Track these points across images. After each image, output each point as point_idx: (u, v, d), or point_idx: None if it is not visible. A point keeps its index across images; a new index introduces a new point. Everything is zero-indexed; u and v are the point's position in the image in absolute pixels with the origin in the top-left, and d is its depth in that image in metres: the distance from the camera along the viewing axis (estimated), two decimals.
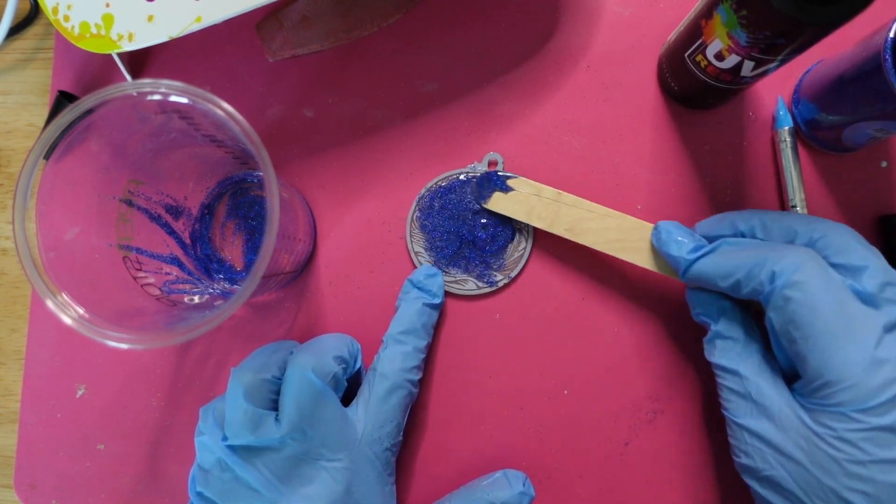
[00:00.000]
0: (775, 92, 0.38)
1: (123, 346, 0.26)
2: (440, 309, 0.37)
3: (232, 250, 0.39)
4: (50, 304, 0.27)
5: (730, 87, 0.33)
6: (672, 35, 0.36)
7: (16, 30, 0.42)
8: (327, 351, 0.33)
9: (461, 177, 0.38)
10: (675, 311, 0.37)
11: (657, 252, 0.34)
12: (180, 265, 0.36)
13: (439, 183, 0.38)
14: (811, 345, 0.26)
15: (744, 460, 0.29)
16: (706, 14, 0.30)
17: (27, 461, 0.39)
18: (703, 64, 0.32)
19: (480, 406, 0.37)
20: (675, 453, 0.36)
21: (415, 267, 0.38)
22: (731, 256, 0.30)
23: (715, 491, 0.36)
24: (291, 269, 0.36)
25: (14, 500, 0.39)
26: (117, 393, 0.39)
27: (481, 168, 0.38)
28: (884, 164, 0.38)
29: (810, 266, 0.27)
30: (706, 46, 0.31)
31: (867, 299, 0.27)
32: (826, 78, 0.34)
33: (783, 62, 0.29)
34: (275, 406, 0.31)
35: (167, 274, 0.35)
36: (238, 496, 0.30)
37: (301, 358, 0.32)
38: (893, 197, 0.37)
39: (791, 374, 0.29)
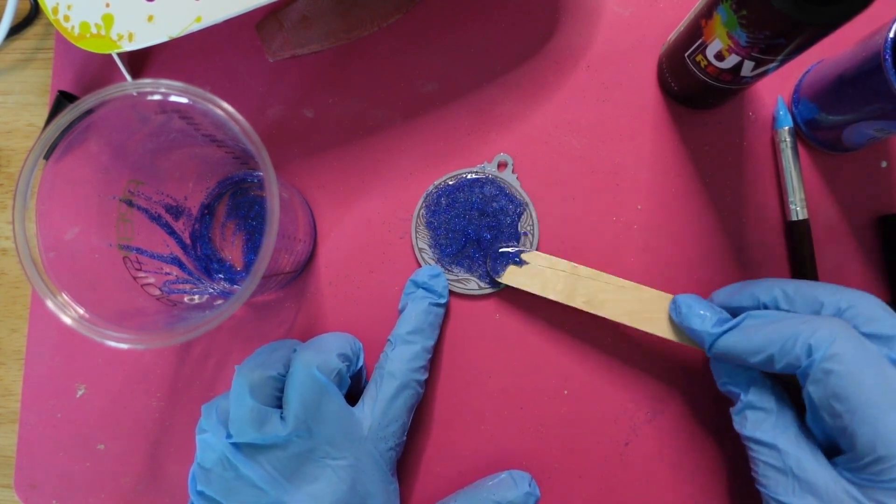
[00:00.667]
0: (775, 92, 0.38)
1: (123, 346, 0.26)
2: (445, 308, 0.37)
3: (232, 250, 0.39)
4: (50, 304, 0.27)
5: (730, 87, 0.33)
6: (672, 35, 0.36)
7: (16, 30, 0.42)
8: (331, 349, 0.33)
9: (469, 175, 0.38)
10: None
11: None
12: (180, 265, 0.36)
13: (447, 181, 0.38)
14: (858, 418, 0.25)
15: None
16: (706, 14, 0.30)
17: (27, 461, 0.39)
18: (703, 64, 0.32)
19: (481, 406, 0.37)
20: (675, 453, 0.36)
21: (419, 264, 0.38)
22: (760, 331, 0.29)
23: (715, 491, 0.36)
24: (291, 269, 0.36)
25: (14, 500, 0.39)
26: (117, 393, 0.39)
27: (490, 168, 0.38)
28: (884, 164, 0.38)
29: (846, 337, 0.26)
30: (706, 46, 0.31)
31: None
32: (826, 78, 0.34)
33: (783, 62, 0.29)
34: (279, 403, 0.31)
35: (167, 274, 0.35)
36: (241, 494, 0.29)
37: (305, 355, 0.32)
38: (893, 197, 0.37)
39: (828, 447, 0.28)
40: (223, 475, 0.30)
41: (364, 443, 0.31)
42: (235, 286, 0.38)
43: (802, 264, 0.36)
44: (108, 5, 0.33)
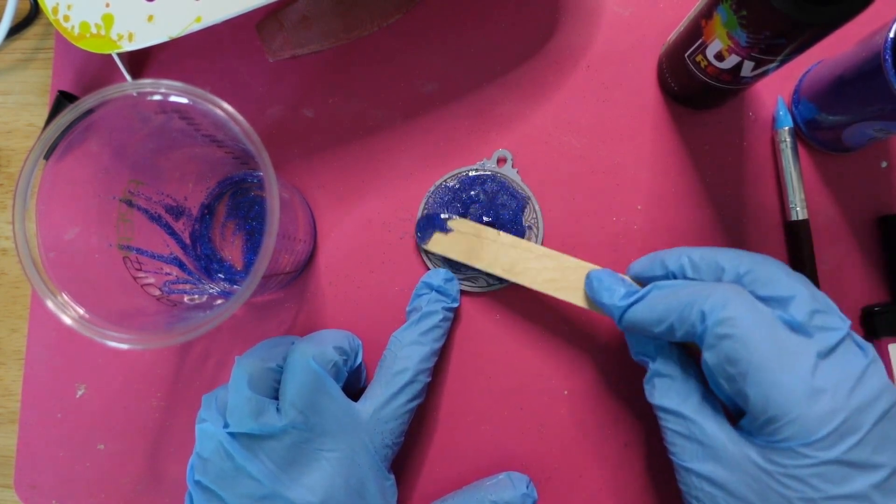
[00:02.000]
0: (775, 92, 0.38)
1: (123, 346, 0.26)
2: (454, 313, 0.37)
3: (232, 250, 0.39)
4: (50, 304, 0.27)
5: (730, 87, 0.33)
6: (672, 35, 0.36)
7: (16, 30, 0.42)
8: (328, 341, 0.33)
9: (470, 173, 0.38)
10: None
11: None
12: (180, 265, 0.36)
13: (447, 181, 0.38)
14: (749, 380, 0.26)
15: None
16: (706, 14, 0.30)
17: (27, 461, 0.39)
18: (703, 64, 0.32)
19: (480, 406, 0.37)
20: None
21: (426, 268, 0.38)
22: (662, 301, 0.29)
23: None
24: (291, 269, 0.36)
25: (14, 500, 0.39)
26: (117, 393, 0.39)
27: (490, 165, 0.38)
28: (884, 164, 0.38)
29: (737, 301, 0.27)
30: (706, 46, 0.31)
31: (797, 328, 0.26)
32: (826, 78, 0.34)
33: (783, 62, 0.29)
34: (277, 396, 0.31)
35: (167, 274, 0.35)
36: (237, 484, 0.29)
37: (302, 346, 0.32)
38: (893, 197, 0.37)
39: (733, 410, 0.29)
40: (220, 465, 0.30)
41: (360, 435, 0.31)
42: (235, 286, 0.38)
43: (802, 264, 0.36)
44: (108, 5, 0.33)
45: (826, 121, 0.35)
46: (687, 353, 0.31)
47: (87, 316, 0.27)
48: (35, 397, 0.39)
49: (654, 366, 0.31)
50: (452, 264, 0.37)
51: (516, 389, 0.37)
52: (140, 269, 0.33)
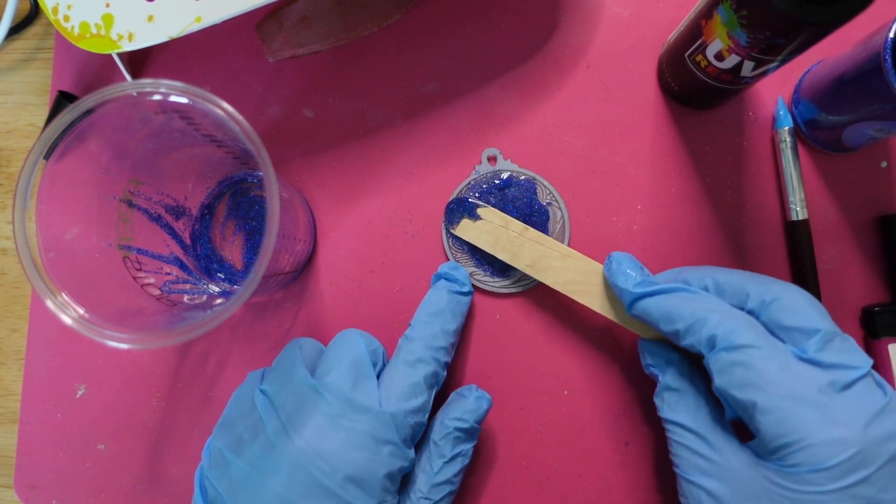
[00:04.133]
0: (775, 92, 0.38)
1: (123, 346, 0.26)
2: (469, 298, 0.36)
3: (232, 250, 0.39)
4: (50, 304, 0.27)
5: (730, 87, 0.33)
6: (672, 35, 0.36)
7: (16, 30, 0.42)
8: (369, 337, 0.34)
9: (473, 181, 0.38)
10: None
11: (614, 298, 0.34)
12: (181, 265, 0.36)
13: (461, 197, 0.38)
14: (761, 407, 0.26)
15: None
16: (706, 14, 0.30)
17: (27, 461, 0.39)
18: (703, 64, 0.32)
19: None
20: None
21: (447, 259, 0.38)
22: (676, 305, 0.30)
23: None
24: (291, 269, 0.36)
25: (14, 500, 0.39)
26: (117, 393, 0.39)
27: (482, 168, 0.38)
28: (884, 164, 0.38)
29: (750, 330, 0.27)
30: (706, 46, 0.31)
31: (815, 362, 0.27)
32: (826, 78, 0.34)
33: (783, 62, 0.29)
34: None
35: (167, 274, 0.35)
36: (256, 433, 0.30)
37: (354, 333, 0.33)
38: (893, 197, 0.37)
39: (740, 427, 0.29)
40: (251, 415, 0.31)
41: (382, 416, 0.31)
42: (235, 286, 0.38)
43: (802, 264, 0.36)
44: (108, 5, 0.33)
45: (826, 121, 0.35)
46: (697, 367, 0.31)
47: (87, 316, 0.27)
48: (35, 397, 0.39)
49: (665, 379, 0.31)
50: (476, 259, 0.37)
51: (516, 389, 0.37)
52: (140, 269, 0.33)
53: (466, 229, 0.37)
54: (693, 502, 0.28)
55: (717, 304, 0.29)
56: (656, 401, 0.31)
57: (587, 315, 0.37)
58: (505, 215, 0.36)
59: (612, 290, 0.34)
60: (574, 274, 0.35)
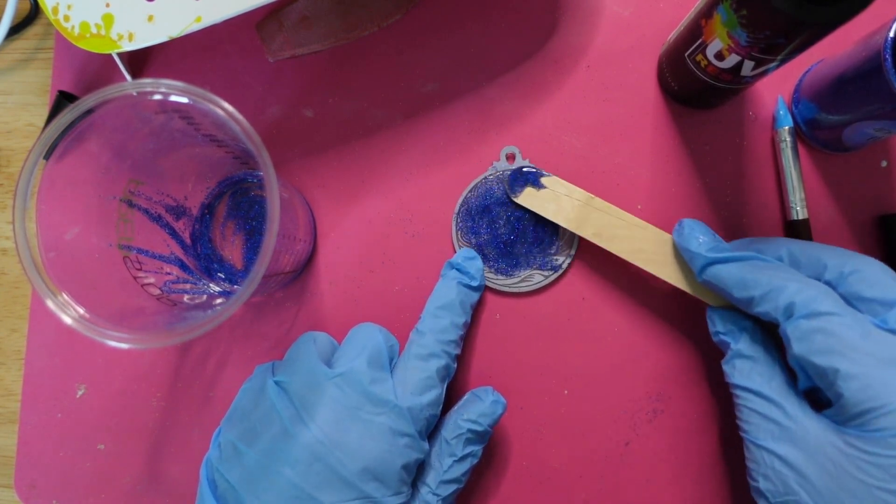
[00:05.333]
0: (775, 92, 0.38)
1: (123, 346, 0.26)
2: (480, 292, 0.36)
3: (232, 250, 0.39)
4: (50, 304, 0.27)
5: (730, 86, 0.33)
6: (672, 35, 0.36)
7: (16, 30, 0.42)
8: (386, 332, 0.35)
9: (490, 176, 0.38)
10: (675, 310, 0.37)
11: (682, 267, 0.34)
12: (181, 265, 0.36)
13: (468, 198, 0.38)
14: (843, 374, 0.26)
15: (762, 485, 0.28)
16: (706, 14, 0.30)
17: (27, 461, 0.39)
18: (703, 64, 0.32)
19: None
20: (675, 453, 0.36)
21: (454, 251, 0.38)
22: (752, 272, 0.30)
23: (715, 491, 0.36)
24: (291, 269, 0.36)
25: (14, 500, 0.39)
26: (117, 393, 0.39)
27: (501, 165, 0.38)
28: (884, 163, 0.38)
29: (831, 299, 0.27)
30: (706, 46, 0.31)
31: (894, 331, 0.27)
32: (826, 78, 0.34)
33: (783, 62, 0.29)
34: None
35: (167, 274, 0.35)
36: (270, 423, 0.30)
37: (372, 327, 0.34)
38: (893, 197, 0.37)
39: (815, 398, 0.29)
40: (262, 405, 0.31)
41: (399, 409, 0.31)
42: (235, 286, 0.38)
43: None
44: (108, 5, 0.33)
45: (826, 120, 0.35)
46: (770, 334, 0.31)
47: (87, 316, 0.27)
48: (35, 397, 0.39)
49: (738, 346, 0.31)
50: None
51: (516, 389, 0.37)
52: (140, 269, 0.33)
53: (530, 197, 0.37)
54: (764, 468, 0.28)
55: (794, 274, 0.29)
56: (726, 368, 0.31)
57: (588, 314, 0.37)
58: (569, 184, 0.36)
59: (680, 260, 0.34)
60: (641, 243, 0.35)
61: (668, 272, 0.34)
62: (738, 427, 0.30)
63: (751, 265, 0.30)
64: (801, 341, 0.27)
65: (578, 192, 0.36)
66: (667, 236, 0.35)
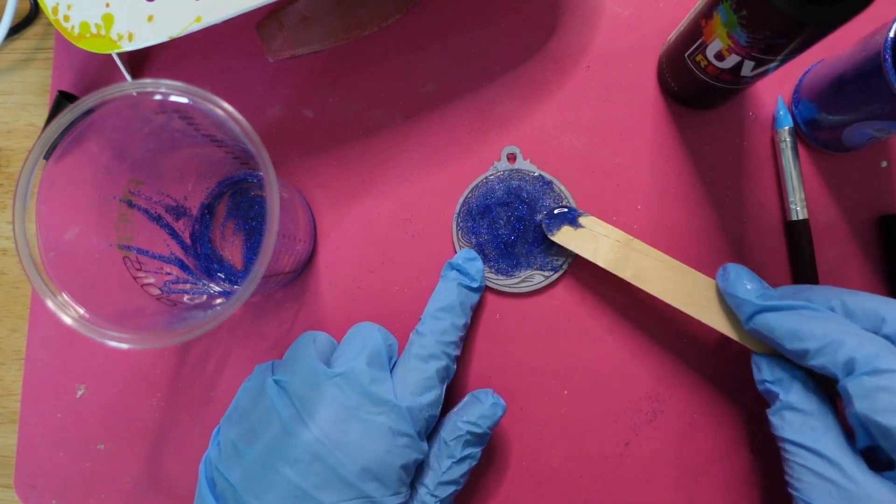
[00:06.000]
0: (775, 92, 0.38)
1: (123, 346, 0.26)
2: (480, 294, 0.36)
3: (232, 250, 0.39)
4: (50, 304, 0.27)
5: (730, 87, 0.33)
6: (672, 35, 0.36)
7: (16, 30, 0.42)
8: (385, 331, 0.35)
9: (491, 176, 0.38)
10: (675, 311, 0.37)
11: (723, 310, 0.33)
12: (181, 265, 0.36)
13: (469, 198, 0.38)
14: None
15: None
16: (706, 14, 0.30)
17: (27, 461, 0.39)
18: (703, 64, 0.32)
19: None
20: (675, 453, 0.36)
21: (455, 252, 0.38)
22: (806, 322, 0.28)
23: (715, 491, 0.36)
24: (291, 269, 0.36)
25: (14, 500, 0.39)
26: (117, 393, 0.39)
27: (502, 166, 0.38)
28: (884, 163, 0.38)
29: (893, 356, 0.26)
30: (706, 46, 0.31)
31: None
32: (826, 78, 0.34)
33: (783, 62, 0.29)
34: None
35: (167, 274, 0.35)
36: (270, 423, 0.30)
37: (371, 327, 0.34)
38: (893, 197, 0.37)
39: (871, 457, 0.28)
40: (263, 402, 0.31)
41: (399, 409, 0.31)
42: (235, 286, 0.38)
43: (802, 264, 0.36)
44: (108, 5, 0.33)
45: (826, 121, 0.35)
46: (822, 386, 0.30)
47: (87, 316, 0.27)
48: (35, 397, 0.39)
49: (788, 398, 0.29)
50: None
51: (516, 389, 0.37)
52: (140, 269, 0.33)
53: (567, 236, 0.36)
54: None
55: (850, 326, 0.28)
56: (773, 419, 0.30)
57: (588, 314, 0.37)
58: (608, 225, 0.36)
59: (723, 303, 0.33)
60: (681, 285, 0.34)
61: (713, 317, 0.33)
62: (788, 484, 0.29)
63: (803, 315, 0.29)
64: (865, 399, 0.26)
65: (618, 234, 0.35)
66: (709, 280, 0.34)
